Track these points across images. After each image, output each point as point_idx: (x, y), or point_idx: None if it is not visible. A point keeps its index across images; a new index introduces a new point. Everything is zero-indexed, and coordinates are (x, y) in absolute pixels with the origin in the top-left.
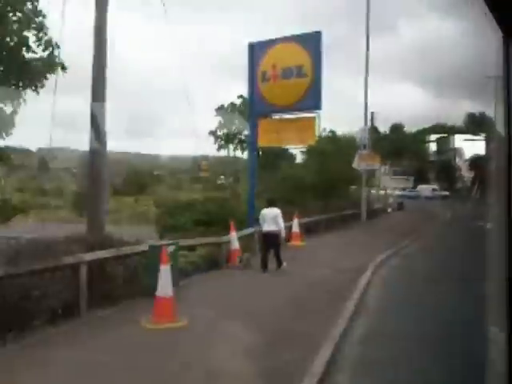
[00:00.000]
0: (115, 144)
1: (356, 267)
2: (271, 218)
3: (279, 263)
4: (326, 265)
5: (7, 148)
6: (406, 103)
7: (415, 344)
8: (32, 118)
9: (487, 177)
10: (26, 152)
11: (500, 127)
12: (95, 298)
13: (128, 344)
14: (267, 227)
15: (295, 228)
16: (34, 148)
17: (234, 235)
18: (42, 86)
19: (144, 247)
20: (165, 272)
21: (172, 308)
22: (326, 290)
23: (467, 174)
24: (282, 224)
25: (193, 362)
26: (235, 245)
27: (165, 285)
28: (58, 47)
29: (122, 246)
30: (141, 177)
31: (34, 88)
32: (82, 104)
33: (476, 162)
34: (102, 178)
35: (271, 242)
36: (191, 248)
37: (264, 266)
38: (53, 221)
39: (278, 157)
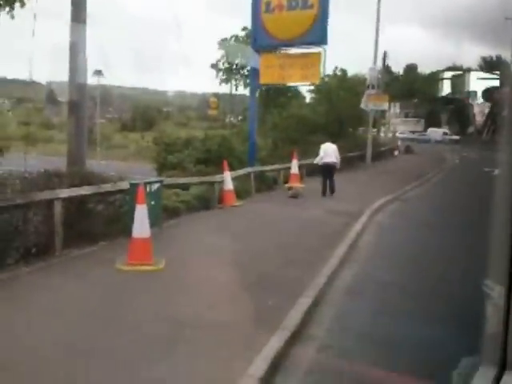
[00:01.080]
0: (123, 79)
1: (353, 211)
2: (332, 152)
3: (332, 190)
4: (322, 207)
5: (16, 80)
6: (418, 46)
7: (400, 294)
8: (41, 50)
9: (500, 111)
10: (35, 85)
11: None
12: (72, 237)
13: (94, 286)
14: (328, 159)
15: (294, 169)
16: (44, 81)
17: (227, 175)
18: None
19: (126, 185)
20: (140, 212)
21: (148, 250)
22: (318, 233)
23: (480, 118)
24: (338, 157)
25: (150, 309)
26: (228, 185)
27: (140, 225)
28: None
29: (105, 183)
30: (149, 113)
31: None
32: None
33: (492, 93)
34: (81, 111)
35: (329, 171)
36: (185, 187)
37: (323, 193)
38: (54, 155)
39: (283, 95)
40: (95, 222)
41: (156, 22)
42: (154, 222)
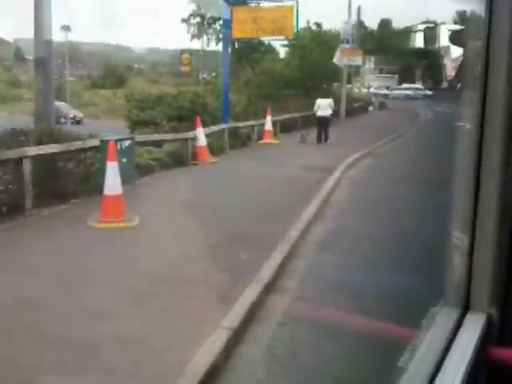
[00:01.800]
0: (92, 35)
1: (326, 166)
2: (325, 106)
3: (326, 138)
4: (295, 163)
5: None
6: (392, 0)
7: (371, 245)
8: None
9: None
10: (3, 42)
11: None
12: (43, 196)
13: (66, 244)
14: (321, 112)
15: (268, 126)
16: (11, 38)
17: (200, 131)
18: None
19: (97, 142)
20: (111, 169)
21: (120, 207)
22: (292, 189)
23: (453, 73)
24: (331, 110)
25: (124, 265)
26: (202, 141)
27: (112, 182)
28: None
29: (74, 141)
30: (119, 70)
31: None
32: None
33: (460, 35)
34: (48, 68)
35: (324, 122)
36: (158, 144)
37: (319, 140)
38: (23, 114)
39: (256, 50)
40: (66, 180)
41: None
42: (126, 179)
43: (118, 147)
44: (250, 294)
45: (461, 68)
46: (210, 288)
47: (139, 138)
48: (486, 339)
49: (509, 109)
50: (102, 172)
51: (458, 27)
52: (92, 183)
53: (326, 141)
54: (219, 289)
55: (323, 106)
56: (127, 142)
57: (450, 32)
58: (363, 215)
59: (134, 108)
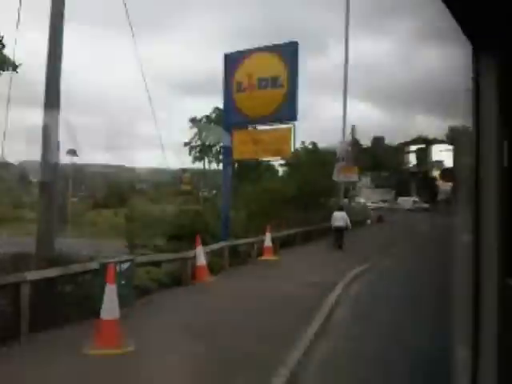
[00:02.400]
0: (96, 157)
1: (327, 283)
2: (340, 218)
3: (340, 246)
4: (296, 280)
5: None
6: (385, 119)
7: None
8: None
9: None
10: (7, 165)
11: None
12: (39, 320)
13: (58, 372)
14: (337, 223)
15: (267, 242)
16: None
17: (199, 250)
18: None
19: (96, 265)
20: (110, 292)
21: (116, 331)
22: (293, 309)
23: (446, 187)
24: (348, 221)
25: None
26: (201, 260)
27: (109, 306)
28: (3, 46)
29: (74, 263)
30: (122, 190)
31: None
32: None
33: (446, 173)
34: (53, 191)
35: (340, 232)
36: (157, 264)
37: (339, 247)
38: (24, 235)
39: (256, 169)
40: (64, 303)
41: (130, 103)
42: (125, 301)
43: (118, 269)
44: None
45: (448, 182)
46: None
47: (139, 259)
48: None
49: (501, 223)
50: (100, 294)
51: (447, 165)
52: (90, 306)
53: (340, 247)
54: None
55: (338, 218)
56: (127, 264)
57: (440, 171)
58: (364, 335)
59: (135, 228)
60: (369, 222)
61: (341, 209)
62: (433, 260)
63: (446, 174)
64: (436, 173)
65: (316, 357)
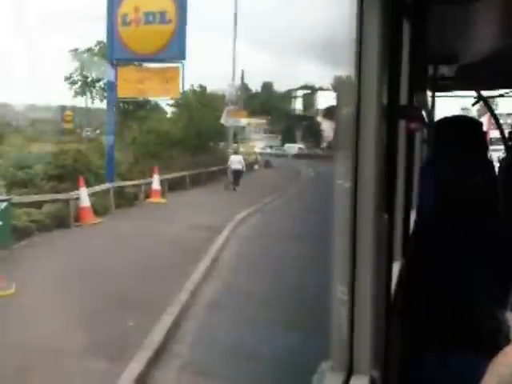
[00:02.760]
0: None
1: (215, 224)
2: (238, 161)
3: (235, 187)
4: (184, 222)
5: None
6: (274, 65)
7: (259, 303)
8: None
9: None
10: None
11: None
12: None
13: None
14: (235, 166)
15: (155, 184)
16: None
17: (83, 191)
18: None
19: None
20: None
21: None
22: (181, 249)
23: (331, 134)
24: (243, 164)
25: None
26: (85, 201)
27: None
28: None
29: None
30: None
31: None
32: None
33: (330, 111)
34: None
35: (237, 174)
36: (38, 205)
37: (233, 189)
38: None
39: (142, 108)
40: None
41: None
42: (2, 243)
43: None
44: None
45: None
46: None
47: (17, 199)
48: None
49: (378, 162)
50: None
51: (327, 94)
52: None
53: (234, 189)
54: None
55: (236, 161)
56: (3, 204)
57: (324, 109)
58: (251, 272)
59: (10, 166)
60: (256, 167)
61: (236, 152)
62: (315, 201)
63: (329, 112)
64: (320, 119)
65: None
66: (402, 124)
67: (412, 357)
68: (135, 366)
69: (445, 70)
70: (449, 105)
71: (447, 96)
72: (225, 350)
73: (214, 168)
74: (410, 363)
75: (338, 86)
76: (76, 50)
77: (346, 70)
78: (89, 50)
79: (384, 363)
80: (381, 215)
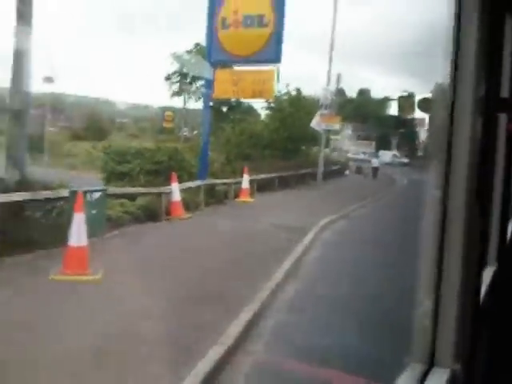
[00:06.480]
0: (77, 87)
1: (301, 227)
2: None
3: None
4: (270, 222)
5: None
6: (371, 73)
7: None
8: None
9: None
10: None
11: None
12: (7, 245)
13: (23, 297)
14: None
15: (245, 184)
16: None
17: (175, 186)
18: None
19: (66, 193)
20: (78, 219)
21: (84, 259)
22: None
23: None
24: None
25: (82, 322)
26: (176, 196)
27: (77, 233)
28: None
29: (44, 190)
30: (102, 123)
31: None
32: None
33: (426, 103)
34: (22, 119)
35: (375, 170)
36: (132, 197)
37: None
38: None
39: (237, 111)
40: (32, 229)
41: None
42: (95, 231)
43: (88, 198)
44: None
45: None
46: (171, 346)
47: (111, 190)
48: None
49: (471, 180)
50: (69, 222)
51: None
52: (60, 233)
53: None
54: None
55: (373, 162)
56: (98, 194)
57: (419, 100)
58: (332, 277)
59: (110, 160)
60: (347, 172)
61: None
62: (405, 209)
63: (424, 103)
64: (418, 129)
65: None
66: (503, 121)
67: (500, 359)
68: (207, 361)
69: None
70: None
71: None
72: (300, 351)
73: (303, 171)
74: (497, 365)
75: (435, 90)
76: (174, 53)
77: (443, 72)
78: (188, 51)
79: (468, 360)
80: (473, 222)
